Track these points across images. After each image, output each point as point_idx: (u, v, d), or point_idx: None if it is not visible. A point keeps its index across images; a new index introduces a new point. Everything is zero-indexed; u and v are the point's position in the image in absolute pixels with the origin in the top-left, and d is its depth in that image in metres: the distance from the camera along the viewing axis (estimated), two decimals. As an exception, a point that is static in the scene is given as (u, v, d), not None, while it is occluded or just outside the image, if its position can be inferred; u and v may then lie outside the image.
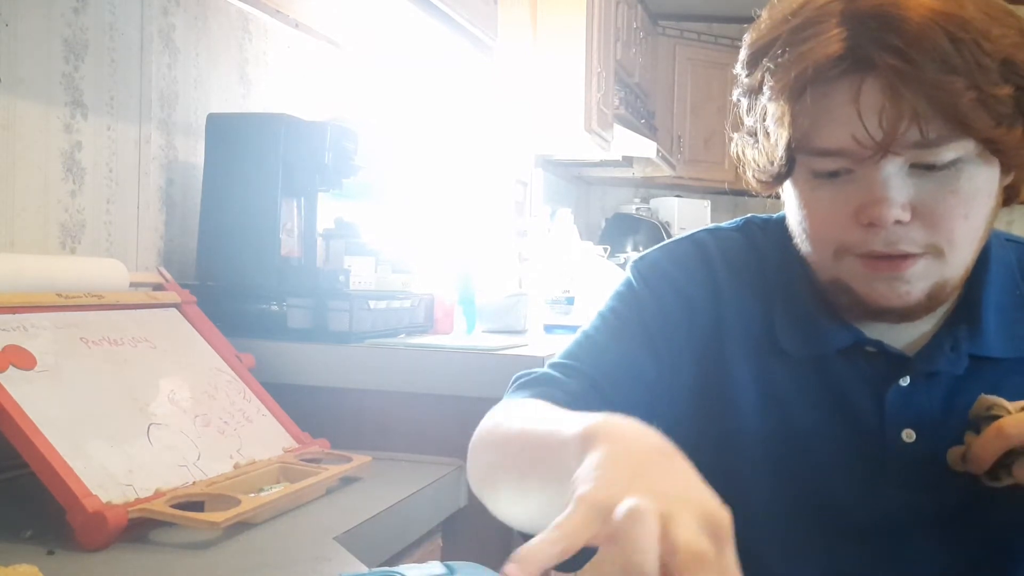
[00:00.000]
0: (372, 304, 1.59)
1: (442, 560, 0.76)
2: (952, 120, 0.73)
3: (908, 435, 0.84)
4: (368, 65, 2.30)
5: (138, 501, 0.99)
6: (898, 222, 0.76)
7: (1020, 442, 0.75)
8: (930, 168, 0.76)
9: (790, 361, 0.87)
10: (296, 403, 1.38)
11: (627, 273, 0.95)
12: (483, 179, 3.20)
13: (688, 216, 4.85)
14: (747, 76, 0.83)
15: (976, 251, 0.82)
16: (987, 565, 0.85)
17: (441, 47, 2.15)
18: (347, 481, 1.24)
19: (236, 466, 1.15)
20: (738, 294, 0.90)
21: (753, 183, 0.87)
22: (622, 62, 3.89)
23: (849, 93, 0.74)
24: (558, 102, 3.20)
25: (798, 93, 0.76)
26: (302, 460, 1.23)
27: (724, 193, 4.86)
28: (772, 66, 0.78)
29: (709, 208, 4.95)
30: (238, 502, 1.01)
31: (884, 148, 0.74)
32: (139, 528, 0.97)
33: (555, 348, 1.61)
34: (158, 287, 1.39)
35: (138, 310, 1.29)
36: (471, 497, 1.37)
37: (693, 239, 0.95)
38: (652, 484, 0.52)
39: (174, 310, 1.36)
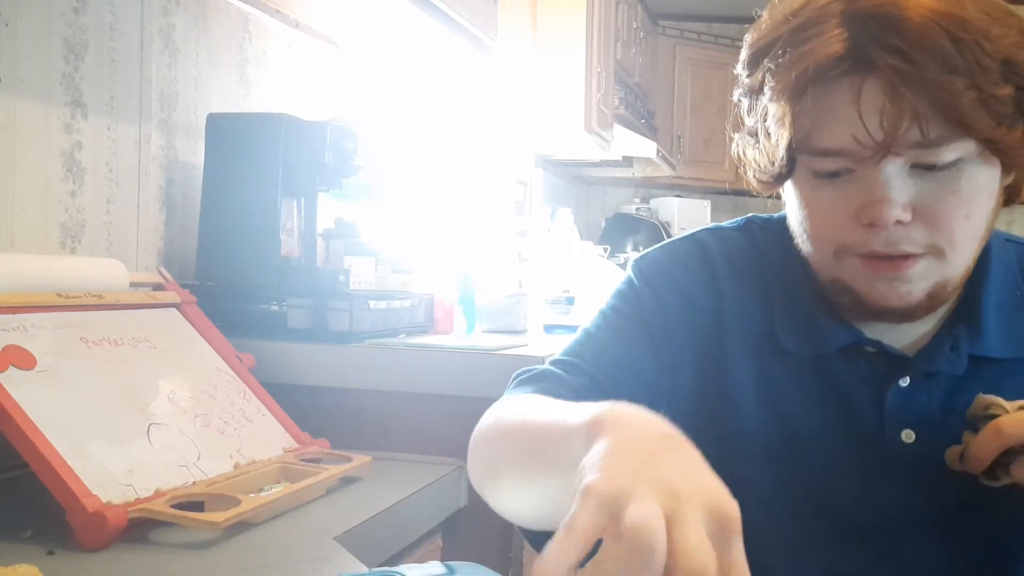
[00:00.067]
0: (372, 304, 1.59)
1: (442, 560, 0.76)
2: (953, 120, 0.73)
3: (908, 435, 0.84)
4: (368, 65, 2.30)
5: (138, 501, 0.99)
6: (899, 222, 0.76)
7: (1018, 441, 0.75)
8: (931, 168, 0.76)
9: (790, 360, 0.87)
10: (296, 403, 1.38)
11: (628, 272, 0.95)
12: (483, 179, 3.20)
13: (688, 216, 4.85)
14: (748, 76, 0.83)
15: (977, 251, 0.82)
16: (986, 565, 0.85)
17: (441, 47, 2.15)
18: (347, 481, 1.24)
19: (236, 466, 1.15)
20: (739, 293, 0.91)
21: (754, 183, 0.87)
22: (622, 62, 3.89)
23: (850, 93, 0.74)
24: (558, 102, 3.20)
25: (799, 93, 0.76)
26: (302, 460, 1.23)
27: (724, 193, 4.86)
28: (773, 66, 0.78)
29: (709, 208, 4.95)
30: (238, 502, 1.01)
31: (885, 148, 0.74)
32: (139, 528, 0.97)
33: (555, 348, 1.61)
34: (158, 287, 1.39)
35: (138, 310, 1.29)
36: (471, 497, 1.37)
37: (694, 238, 0.95)
38: (659, 474, 0.51)
39: (174, 310, 1.36)
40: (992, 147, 0.75)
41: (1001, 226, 0.87)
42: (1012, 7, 0.77)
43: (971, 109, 0.72)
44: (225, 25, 1.76)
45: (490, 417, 0.80)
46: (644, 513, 0.48)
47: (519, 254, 3.26)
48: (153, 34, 1.57)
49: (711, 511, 0.50)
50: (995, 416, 0.77)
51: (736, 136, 0.87)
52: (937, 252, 0.78)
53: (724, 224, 0.97)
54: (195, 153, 1.67)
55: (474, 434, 0.81)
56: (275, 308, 1.53)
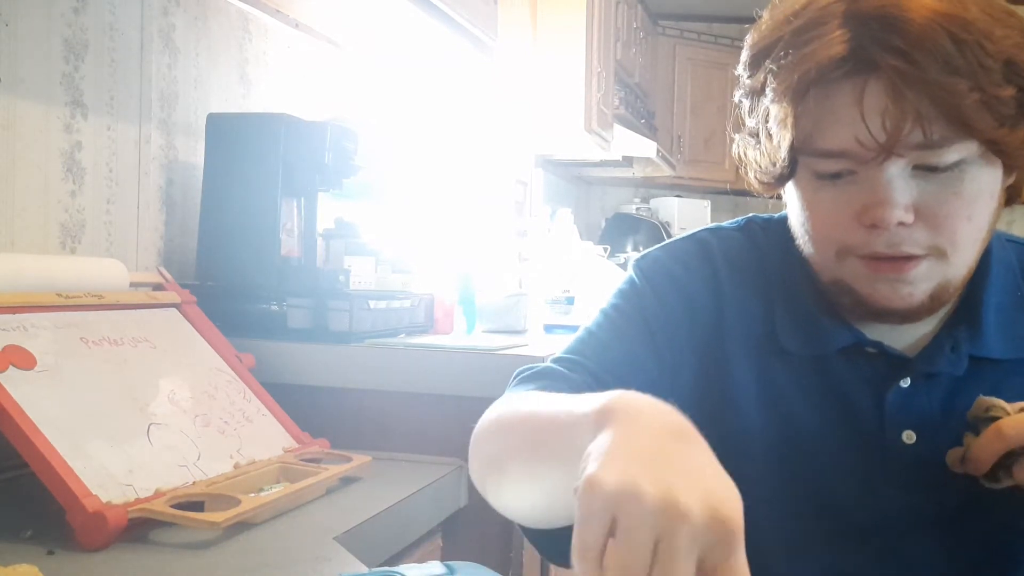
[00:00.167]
0: (372, 304, 1.59)
1: (442, 560, 0.76)
2: (955, 121, 0.72)
3: (908, 436, 0.84)
4: (368, 65, 2.30)
5: (138, 501, 0.98)
6: (901, 224, 0.76)
7: (1019, 443, 0.75)
8: (933, 170, 0.76)
9: (791, 361, 0.87)
10: (296, 403, 1.38)
11: (629, 271, 0.95)
12: (483, 179, 3.20)
13: (688, 216, 4.85)
14: (749, 77, 0.82)
15: (979, 252, 0.81)
16: (986, 565, 0.85)
17: (441, 47, 2.15)
18: (347, 481, 1.24)
19: (236, 466, 1.15)
20: (739, 293, 0.90)
21: (755, 184, 0.86)
22: (622, 62, 3.89)
23: (852, 95, 0.74)
24: (558, 102, 3.20)
25: (801, 95, 0.76)
26: (302, 460, 1.23)
27: (724, 193, 4.86)
28: (775, 67, 0.78)
29: (709, 208, 4.95)
30: (238, 502, 1.01)
31: (887, 150, 0.74)
32: (139, 528, 0.97)
33: (555, 348, 1.61)
34: (158, 287, 1.39)
35: (138, 310, 1.29)
36: (471, 497, 1.37)
37: (695, 238, 0.95)
38: (662, 472, 0.51)
39: (174, 310, 1.36)
40: (994, 148, 0.75)
41: (1001, 226, 0.87)
42: (1014, 7, 0.77)
43: (973, 110, 0.72)
44: (225, 25, 1.76)
45: (492, 414, 0.79)
46: (629, 549, 0.49)
47: (519, 254, 3.26)
48: (153, 34, 1.57)
49: (711, 520, 0.50)
50: (996, 418, 0.77)
51: (737, 137, 0.87)
52: (939, 253, 0.78)
53: (725, 224, 0.97)
54: (195, 153, 1.66)
55: (475, 431, 0.81)
56: (275, 308, 1.53)
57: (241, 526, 1.01)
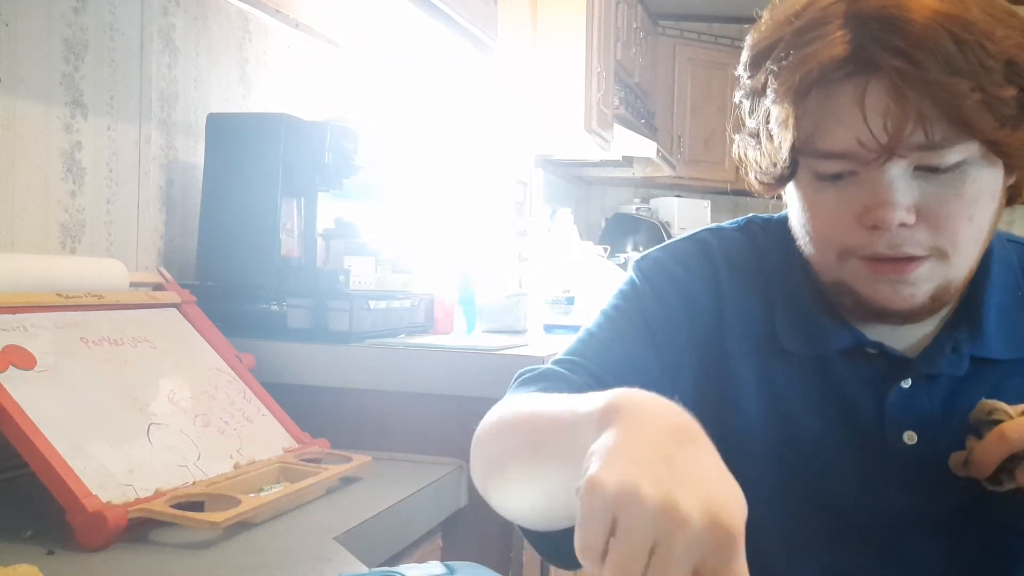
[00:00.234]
0: (372, 304, 1.59)
1: (442, 560, 0.76)
2: (957, 122, 0.72)
3: (909, 437, 0.84)
4: (368, 65, 2.30)
5: (138, 501, 0.98)
6: (903, 225, 0.76)
7: (1022, 447, 0.75)
8: (934, 170, 0.75)
9: (791, 361, 0.87)
10: (296, 403, 1.38)
11: (629, 272, 0.95)
12: (483, 179, 3.20)
13: (688, 216, 4.85)
14: (750, 78, 0.82)
15: (980, 253, 0.81)
16: (986, 566, 0.85)
17: (441, 47, 2.15)
18: (347, 481, 1.24)
19: (236, 466, 1.15)
20: (740, 293, 0.90)
21: (755, 185, 0.86)
22: (622, 62, 3.89)
23: (854, 95, 0.74)
24: (558, 102, 3.20)
25: (802, 95, 0.76)
26: (302, 460, 1.23)
27: (724, 193, 4.86)
28: (775, 68, 0.78)
29: (709, 208, 4.95)
30: (238, 502, 1.01)
31: (889, 150, 0.74)
32: (139, 528, 0.97)
33: (555, 348, 1.61)
34: (158, 287, 1.39)
35: (138, 310, 1.29)
36: (471, 497, 1.37)
37: (695, 238, 0.95)
38: (666, 475, 0.51)
39: (174, 310, 1.36)
40: (995, 149, 0.75)
41: (1001, 226, 0.86)
42: (1014, 8, 0.77)
43: (975, 111, 0.71)
44: (225, 25, 1.76)
45: (493, 416, 0.79)
46: (627, 550, 0.49)
47: (519, 254, 3.26)
48: (153, 34, 1.57)
49: (710, 526, 0.50)
50: (999, 421, 0.77)
51: (737, 138, 0.87)
52: (940, 254, 0.78)
53: (725, 224, 0.97)
54: (195, 153, 1.66)
55: (477, 433, 0.80)
56: (275, 308, 1.53)
57: (241, 526, 1.01)
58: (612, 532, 0.51)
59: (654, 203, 5.02)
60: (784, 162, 0.80)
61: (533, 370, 0.87)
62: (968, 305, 0.86)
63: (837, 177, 0.78)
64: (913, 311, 0.80)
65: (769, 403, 0.87)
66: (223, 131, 1.59)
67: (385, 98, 2.41)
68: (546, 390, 0.81)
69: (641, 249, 4.38)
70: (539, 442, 0.68)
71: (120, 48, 1.49)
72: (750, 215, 0.97)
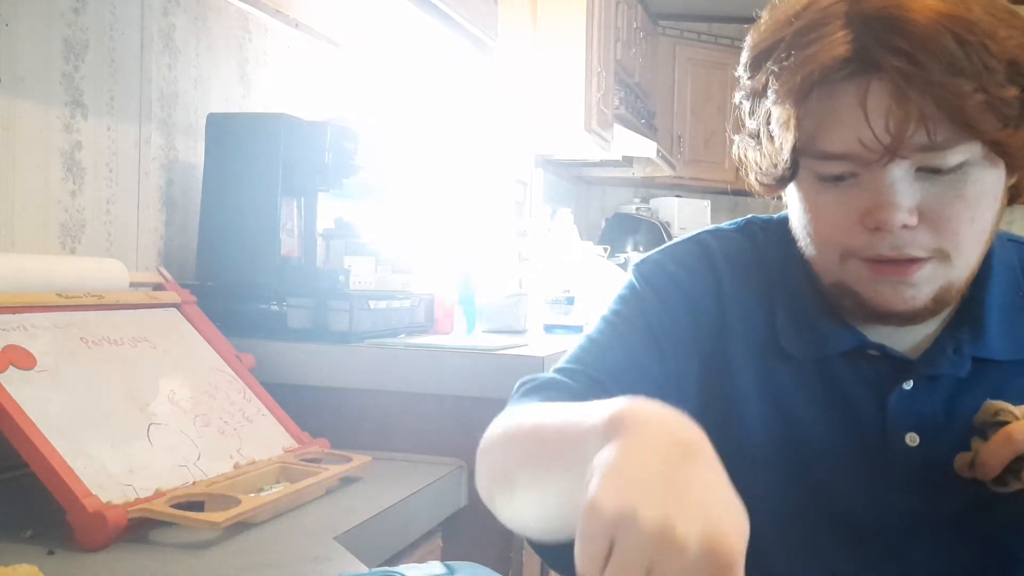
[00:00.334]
0: (372, 304, 1.59)
1: (442, 560, 0.76)
2: (959, 123, 0.72)
3: (911, 439, 0.84)
4: (368, 65, 2.30)
5: (138, 501, 0.98)
6: (905, 226, 0.76)
7: None
8: (936, 172, 0.75)
9: (792, 363, 0.87)
10: (296, 403, 1.38)
11: (629, 276, 0.94)
12: (483, 179, 3.20)
13: (688, 216, 4.85)
14: (750, 79, 0.82)
15: (982, 254, 0.81)
16: (989, 568, 0.84)
17: (441, 47, 2.15)
18: (347, 481, 1.24)
19: (236, 466, 1.15)
20: (741, 295, 0.90)
21: (756, 186, 0.86)
22: (622, 62, 3.89)
23: (855, 96, 0.74)
24: (558, 102, 3.20)
25: (803, 96, 0.75)
26: (302, 460, 1.23)
27: (724, 193, 4.86)
28: (776, 69, 0.77)
29: (709, 208, 4.95)
30: (238, 502, 1.01)
31: (891, 151, 0.73)
32: (139, 528, 0.97)
33: (555, 348, 1.61)
34: (158, 287, 1.39)
35: (138, 310, 1.29)
36: (471, 497, 1.37)
37: (695, 240, 0.95)
38: (665, 497, 0.50)
39: (174, 310, 1.36)
40: (998, 149, 0.75)
41: (1002, 226, 0.86)
42: (1016, 7, 0.76)
43: (978, 112, 0.71)
44: (225, 25, 1.76)
45: (497, 428, 0.78)
46: (622, 574, 0.49)
47: (519, 254, 3.26)
48: (153, 34, 1.57)
49: (707, 552, 0.49)
50: (1005, 423, 0.77)
51: (737, 138, 0.87)
52: (943, 256, 0.77)
53: (724, 225, 0.97)
54: (195, 153, 1.66)
55: (482, 445, 0.79)
56: (275, 308, 1.53)
57: (241, 526, 1.01)
58: (610, 553, 0.50)
59: (654, 203, 5.02)
60: (785, 163, 0.79)
61: (535, 379, 0.86)
62: (969, 306, 0.85)
63: (838, 178, 0.78)
64: (915, 313, 0.80)
65: (770, 405, 0.87)
66: (223, 131, 1.59)
67: (385, 98, 2.41)
68: (549, 400, 0.80)
69: (641, 249, 4.39)
70: (545, 455, 0.67)
71: (120, 48, 1.49)
72: (749, 216, 0.97)
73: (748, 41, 0.82)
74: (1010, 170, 0.79)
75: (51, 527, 0.96)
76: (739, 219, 0.97)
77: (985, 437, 0.78)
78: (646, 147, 3.98)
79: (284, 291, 1.54)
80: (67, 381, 1.07)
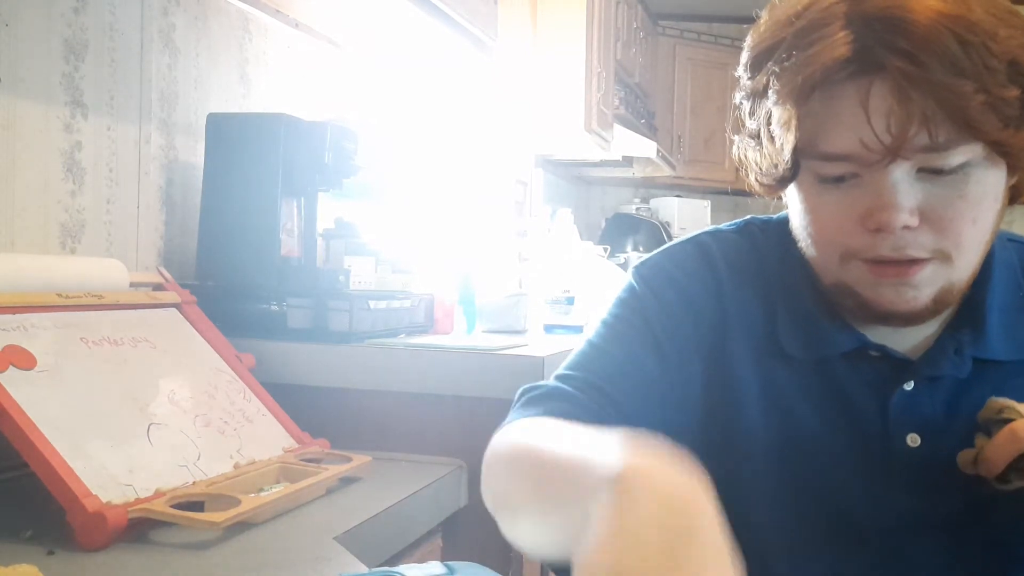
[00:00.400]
0: (372, 304, 1.59)
1: (442, 560, 0.76)
2: (961, 123, 0.72)
3: (913, 440, 0.84)
4: (368, 65, 2.30)
5: (138, 501, 0.98)
6: (906, 227, 0.75)
7: None
8: (938, 172, 0.75)
9: (793, 364, 0.87)
10: (296, 403, 1.38)
11: (629, 277, 0.94)
12: (483, 179, 3.20)
13: (688, 216, 4.85)
14: (750, 79, 0.81)
15: (983, 255, 0.81)
16: (990, 569, 0.84)
17: (441, 47, 2.15)
18: (347, 481, 1.24)
19: (236, 466, 1.15)
20: (741, 296, 0.90)
21: (756, 186, 0.86)
22: (622, 62, 3.89)
23: (857, 96, 0.74)
24: (558, 102, 3.20)
25: (805, 96, 0.75)
26: (302, 460, 1.23)
27: (724, 193, 4.86)
28: (778, 69, 0.77)
29: (709, 208, 4.95)
30: (238, 502, 1.01)
31: (893, 152, 0.73)
32: (139, 528, 0.97)
33: (555, 348, 1.61)
34: (158, 287, 1.39)
35: (138, 310, 1.29)
36: (471, 497, 1.37)
37: (695, 241, 0.94)
38: (659, 570, 0.48)
39: (174, 310, 1.36)
40: (999, 150, 0.75)
41: (1002, 226, 0.86)
42: (1016, 7, 0.76)
43: (979, 112, 0.71)
44: (225, 25, 1.76)
45: (503, 443, 0.76)
46: None
47: (519, 254, 3.26)
48: (153, 34, 1.57)
49: None
50: (1009, 420, 0.77)
51: (737, 139, 0.86)
52: (944, 257, 0.77)
53: (723, 226, 0.96)
54: (195, 153, 1.66)
55: (487, 457, 0.78)
56: (275, 308, 1.53)
57: (241, 526, 1.01)
58: None
59: (654, 203, 5.02)
60: (786, 164, 0.79)
61: (538, 388, 0.85)
62: (970, 306, 0.85)
63: (839, 179, 0.78)
64: (916, 314, 0.80)
65: (771, 405, 0.87)
66: (223, 131, 1.59)
67: (385, 98, 2.41)
68: (553, 413, 0.79)
69: (641, 249, 4.39)
70: (547, 491, 0.65)
71: (120, 48, 1.49)
72: (749, 217, 0.97)
73: (748, 41, 0.82)
74: (1011, 170, 0.79)
75: (51, 527, 0.96)
76: (739, 220, 0.97)
77: (989, 434, 0.78)
78: (646, 147, 3.98)
79: (284, 291, 1.54)
80: (67, 381, 1.07)
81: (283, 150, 1.56)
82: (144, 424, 1.10)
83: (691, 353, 0.88)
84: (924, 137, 0.73)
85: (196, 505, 1.02)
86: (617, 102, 3.74)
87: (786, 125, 0.77)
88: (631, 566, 0.49)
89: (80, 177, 1.41)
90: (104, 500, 0.95)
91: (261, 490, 1.11)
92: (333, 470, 1.20)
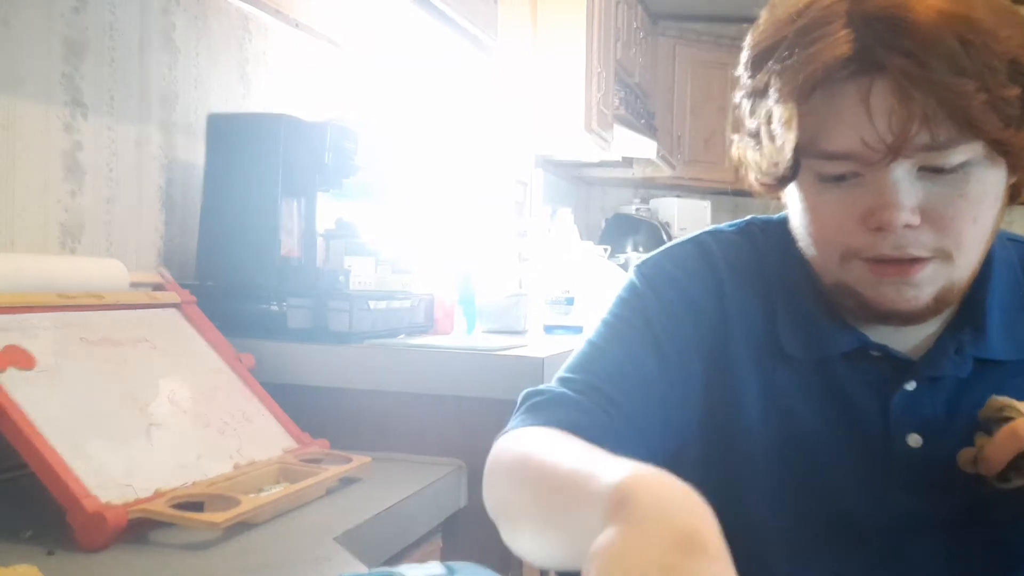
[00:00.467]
0: (372, 304, 1.58)
1: (442, 560, 0.76)
2: (962, 122, 0.72)
3: (914, 440, 0.84)
4: (368, 65, 2.30)
5: (138, 501, 0.98)
6: (907, 226, 0.75)
7: None
8: (939, 171, 0.75)
9: (794, 364, 0.87)
10: (296, 403, 1.38)
11: (629, 277, 0.94)
12: (483, 179, 3.20)
13: (688, 216, 4.85)
14: (750, 78, 0.81)
15: (983, 254, 0.81)
16: (989, 569, 0.84)
17: (441, 47, 2.15)
18: (347, 481, 1.23)
19: (236, 466, 1.15)
20: (741, 296, 0.90)
21: (755, 186, 0.85)
22: (622, 62, 3.89)
23: (858, 95, 0.74)
24: (558, 102, 3.20)
25: (806, 95, 0.75)
26: (302, 460, 1.23)
27: (724, 193, 4.86)
28: (779, 68, 0.77)
29: (709, 208, 4.95)
30: (238, 502, 1.01)
31: (894, 151, 0.73)
32: (139, 528, 0.97)
33: (555, 348, 1.61)
34: (158, 287, 1.39)
35: (138, 310, 1.29)
36: (471, 497, 1.37)
37: (695, 241, 0.94)
38: None
39: (174, 310, 1.36)
40: (1000, 149, 0.75)
41: (1001, 226, 0.86)
42: (1017, 7, 0.76)
43: (981, 111, 0.71)
44: (225, 25, 1.76)
45: (506, 452, 0.75)
46: None
47: (519, 254, 3.26)
48: (153, 34, 1.57)
49: None
50: (1009, 419, 0.77)
51: (736, 138, 0.86)
52: (945, 256, 0.77)
53: (724, 226, 0.96)
54: (195, 153, 1.66)
55: (490, 464, 0.77)
56: (275, 308, 1.53)
57: (241, 526, 1.00)
58: None
59: (654, 203, 5.02)
60: (786, 163, 0.79)
61: (540, 393, 0.85)
62: (970, 306, 0.85)
63: (840, 178, 0.78)
64: (916, 313, 0.80)
65: (771, 406, 0.87)
66: (223, 131, 1.59)
67: (385, 98, 2.41)
68: (557, 422, 0.78)
69: (641, 250, 4.39)
70: (548, 509, 0.65)
71: (120, 48, 1.49)
72: (749, 217, 0.97)
73: (748, 40, 0.82)
74: (1011, 170, 0.79)
75: (51, 527, 0.96)
76: (739, 220, 0.96)
77: (989, 433, 0.78)
78: (646, 147, 3.98)
79: (284, 291, 1.54)
80: (67, 381, 1.07)
81: (283, 150, 1.55)
82: (144, 424, 1.10)
83: (691, 353, 0.88)
84: (925, 136, 0.72)
85: (196, 505, 1.02)
86: (617, 102, 3.74)
87: (787, 124, 0.77)
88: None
89: (80, 177, 1.41)
90: (104, 500, 0.95)
91: (261, 490, 1.11)
92: (333, 470, 1.20)
